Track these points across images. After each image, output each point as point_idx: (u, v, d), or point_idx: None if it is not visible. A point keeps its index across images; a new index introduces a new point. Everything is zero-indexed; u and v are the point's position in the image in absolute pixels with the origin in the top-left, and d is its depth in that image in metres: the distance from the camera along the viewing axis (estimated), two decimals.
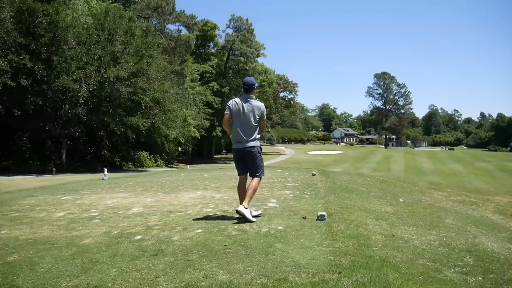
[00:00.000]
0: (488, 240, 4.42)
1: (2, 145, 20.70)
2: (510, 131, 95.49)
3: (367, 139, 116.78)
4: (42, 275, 2.85)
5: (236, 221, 4.53)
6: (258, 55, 46.34)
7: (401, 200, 6.96)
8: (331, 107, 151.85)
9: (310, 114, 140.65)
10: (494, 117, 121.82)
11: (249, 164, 4.75)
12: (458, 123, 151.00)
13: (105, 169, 12.70)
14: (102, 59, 21.17)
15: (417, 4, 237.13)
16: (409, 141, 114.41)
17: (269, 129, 66.78)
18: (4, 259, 3.26)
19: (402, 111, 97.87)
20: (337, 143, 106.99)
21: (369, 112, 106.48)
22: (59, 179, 14.27)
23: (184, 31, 38.84)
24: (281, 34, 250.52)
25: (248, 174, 4.81)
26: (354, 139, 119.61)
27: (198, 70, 41.26)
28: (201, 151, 46.27)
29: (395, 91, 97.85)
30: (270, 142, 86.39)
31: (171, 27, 37.55)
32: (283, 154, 57.54)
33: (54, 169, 19.65)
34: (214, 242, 3.65)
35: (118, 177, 12.29)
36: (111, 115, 21.51)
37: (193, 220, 4.66)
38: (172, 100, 25.36)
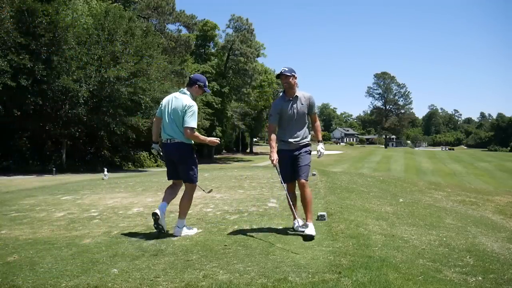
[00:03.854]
0: (488, 240, 4.41)
1: (2, 145, 20.70)
2: (510, 131, 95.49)
3: (367, 139, 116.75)
4: (42, 275, 2.85)
5: (235, 221, 4.53)
6: (258, 55, 46.32)
7: (401, 200, 6.96)
8: (331, 107, 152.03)
9: None
10: (494, 117, 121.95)
11: None
12: (458, 123, 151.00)
13: (105, 169, 12.68)
14: (102, 59, 21.17)
15: (417, 4, 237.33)
16: (409, 141, 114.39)
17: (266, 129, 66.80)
18: (4, 259, 3.26)
19: (402, 111, 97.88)
20: (337, 143, 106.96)
21: (369, 112, 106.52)
22: (59, 179, 14.27)
23: (184, 31, 38.92)
24: (281, 34, 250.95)
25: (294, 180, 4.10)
26: (354, 139, 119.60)
27: (198, 70, 41.19)
28: (201, 151, 46.24)
29: (395, 91, 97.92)
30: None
31: (171, 27, 37.62)
32: None
33: (54, 169, 19.64)
34: (214, 242, 3.66)
35: (118, 177, 12.28)
36: (111, 115, 21.51)
37: (193, 220, 4.66)
38: None
